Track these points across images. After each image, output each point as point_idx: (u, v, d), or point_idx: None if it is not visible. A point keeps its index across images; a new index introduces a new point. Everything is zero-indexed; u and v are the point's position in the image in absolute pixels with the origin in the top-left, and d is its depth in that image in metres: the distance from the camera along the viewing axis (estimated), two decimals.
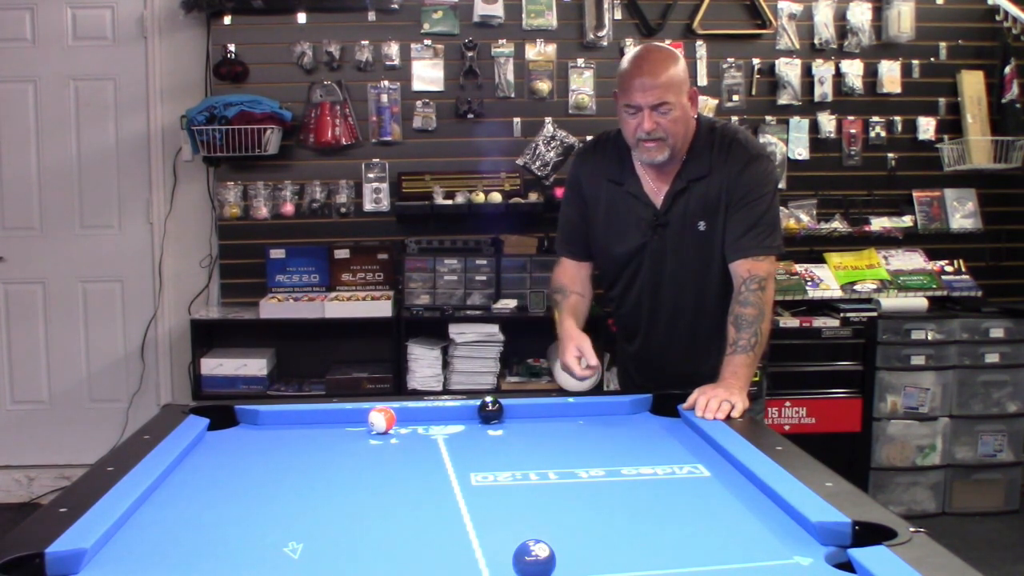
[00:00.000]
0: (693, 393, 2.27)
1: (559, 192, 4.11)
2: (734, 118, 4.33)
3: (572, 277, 2.64)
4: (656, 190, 2.51)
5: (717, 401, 2.20)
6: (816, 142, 4.45)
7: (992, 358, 4.15)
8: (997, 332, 4.14)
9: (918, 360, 4.11)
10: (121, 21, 4.38)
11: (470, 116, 4.32)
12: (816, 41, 4.41)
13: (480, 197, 4.18)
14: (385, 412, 2.16)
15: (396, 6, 4.28)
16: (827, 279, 4.26)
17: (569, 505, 1.72)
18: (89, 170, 4.46)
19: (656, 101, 2.35)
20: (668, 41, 4.23)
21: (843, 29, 4.41)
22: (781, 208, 4.32)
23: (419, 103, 4.33)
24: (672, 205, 2.49)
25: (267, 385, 4.11)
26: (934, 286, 4.25)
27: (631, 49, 2.49)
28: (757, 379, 2.55)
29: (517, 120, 4.36)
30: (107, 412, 4.50)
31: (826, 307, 4.19)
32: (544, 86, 4.34)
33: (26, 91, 4.42)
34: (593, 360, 2.40)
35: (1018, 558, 3.79)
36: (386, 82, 4.32)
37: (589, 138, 2.89)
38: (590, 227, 2.61)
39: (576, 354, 2.42)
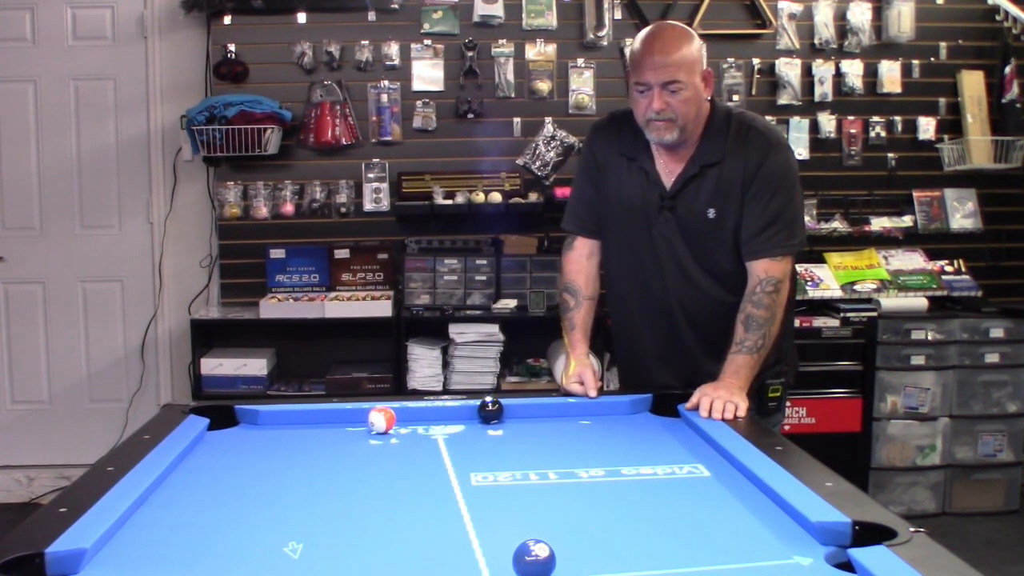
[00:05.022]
0: (695, 393, 2.27)
1: (559, 192, 4.13)
2: None
3: (586, 274, 2.58)
4: (668, 171, 2.45)
5: (721, 403, 2.19)
6: (816, 142, 4.45)
7: (992, 358, 4.15)
8: (997, 332, 4.14)
9: (918, 360, 4.11)
10: (121, 21, 4.38)
11: (470, 116, 4.32)
12: (816, 41, 4.41)
13: (480, 197, 4.18)
14: (385, 412, 2.16)
15: (396, 6, 4.28)
16: (827, 279, 4.26)
17: (569, 505, 1.72)
18: (89, 170, 4.46)
19: (667, 79, 2.29)
20: None
21: (843, 29, 4.41)
22: None
23: (419, 103, 4.33)
24: (682, 189, 2.43)
25: (267, 385, 4.10)
26: (934, 286, 4.25)
27: (647, 28, 2.44)
28: (779, 394, 2.52)
29: (517, 120, 4.36)
30: (107, 412, 4.50)
31: (826, 307, 4.19)
32: (544, 86, 4.34)
33: (26, 91, 4.42)
34: (592, 392, 2.39)
35: (1018, 558, 3.79)
36: (386, 82, 4.32)
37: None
38: (602, 202, 2.56)
39: (578, 380, 2.43)
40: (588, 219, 2.59)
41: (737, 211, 2.39)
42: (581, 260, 2.60)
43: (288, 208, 4.33)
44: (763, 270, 2.37)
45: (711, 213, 2.41)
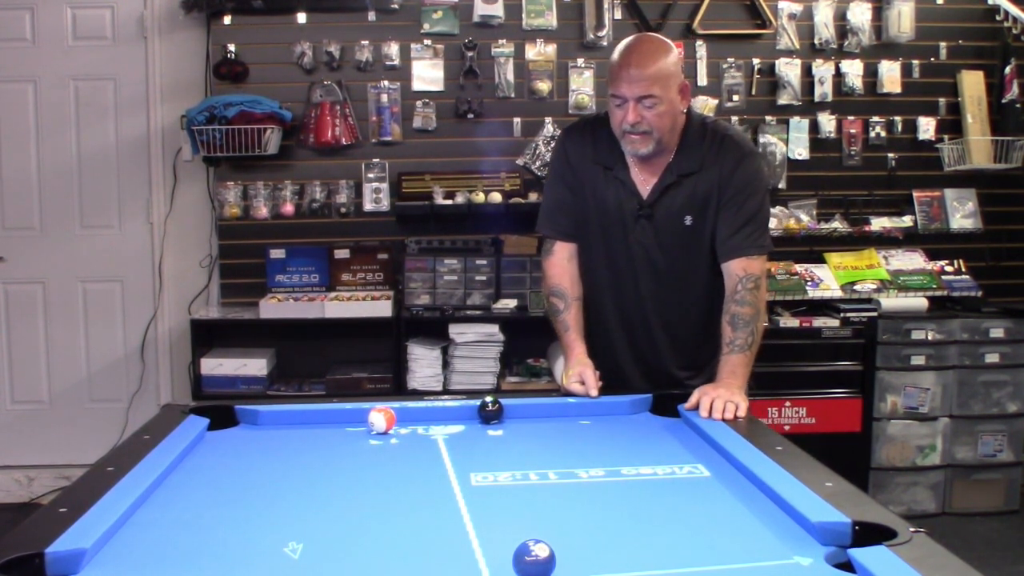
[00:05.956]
0: (695, 393, 2.27)
1: None
2: (734, 118, 4.33)
3: (570, 276, 2.59)
4: (644, 180, 2.48)
5: (722, 402, 2.20)
6: (816, 142, 4.45)
7: (992, 358, 4.15)
8: (997, 332, 4.14)
9: (918, 360, 4.11)
10: (121, 21, 4.38)
11: (470, 116, 4.32)
12: (816, 41, 4.40)
13: (480, 197, 4.18)
14: (385, 412, 2.16)
15: (396, 6, 4.28)
16: (827, 279, 4.26)
17: (569, 505, 1.72)
18: (89, 170, 4.45)
19: (642, 93, 2.33)
20: None
21: (843, 29, 4.41)
22: (781, 208, 4.35)
23: (419, 103, 4.33)
24: (659, 198, 2.47)
25: (267, 385, 4.11)
26: (934, 286, 4.25)
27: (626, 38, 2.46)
28: None
29: (517, 120, 4.36)
30: (107, 412, 4.50)
31: (826, 307, 4.19)
32: (544, 86, 4.34)
33: (26, 91, 4.41)
34: (594, 391, 2.39)
35: (1018, 558, 3.79)
36: (386, 82, 4.32)
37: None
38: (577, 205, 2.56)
39: (578, 380, 2.43)
40: (565, 223, 2.60)
41: (713, 218, 2.46)
42: (563, 263, 2.61)
43: (288, 208, 4.33)
44: (741, 268, 2.42)
45: (688, 220, 2.47)
